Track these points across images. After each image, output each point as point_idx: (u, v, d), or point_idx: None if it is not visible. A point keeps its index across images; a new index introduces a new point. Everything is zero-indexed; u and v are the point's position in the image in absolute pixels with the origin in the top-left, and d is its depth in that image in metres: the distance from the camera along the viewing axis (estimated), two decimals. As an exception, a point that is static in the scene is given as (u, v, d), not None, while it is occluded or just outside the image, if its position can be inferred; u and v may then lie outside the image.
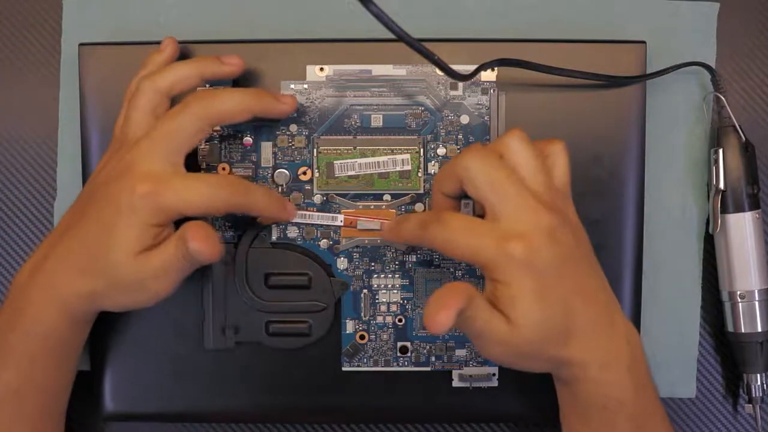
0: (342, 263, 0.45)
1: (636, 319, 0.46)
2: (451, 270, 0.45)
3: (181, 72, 0.41)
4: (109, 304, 0.41)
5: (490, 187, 0.37)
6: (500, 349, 0.37)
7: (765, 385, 0.46)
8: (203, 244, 0.38)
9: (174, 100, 0.41)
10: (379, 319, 0.45)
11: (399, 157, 0.45)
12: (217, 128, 0.45)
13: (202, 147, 0.45)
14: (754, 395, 0.46)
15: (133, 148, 0.39)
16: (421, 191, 0.45)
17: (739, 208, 0.46)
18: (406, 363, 0.45)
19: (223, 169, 0.45)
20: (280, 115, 0.42)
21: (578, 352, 0.38)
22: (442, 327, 0.34)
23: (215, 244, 0.39)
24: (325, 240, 0.45)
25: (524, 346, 0.37)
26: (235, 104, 0.40)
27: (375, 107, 0.45)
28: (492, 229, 0.36)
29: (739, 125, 0.46)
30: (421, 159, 0.45)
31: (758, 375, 0.46)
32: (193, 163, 0.45)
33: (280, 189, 0.45)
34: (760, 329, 0.46)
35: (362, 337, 0.45)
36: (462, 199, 0.40)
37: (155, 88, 0.40)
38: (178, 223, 0.40)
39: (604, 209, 0.45)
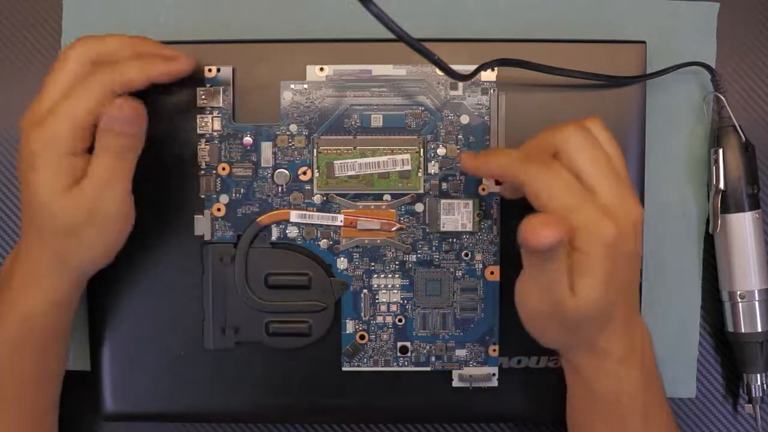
0: (342, 263, 0.45)
1: (636, 319, 0.46)
2: (451, 270, 0.45)
3: (130, 74, 0.40)
4: (81, 259, 0.40)
5: (591, 162, 0.37)
6: (550, 313, 0.37)
7: (765, 385, 0.46)
8: (116, 109, 0.38)
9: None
10: (379, 319, 0.45)
11: (399, 157, 0.45)
12: (218, 128, 0.45)
13: (202, 147, 0.45)
14: (754, 395, 0.46)
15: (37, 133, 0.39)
16: (421, 191, 0.45)
17: (739, 208, 0.46)
18: (406, 363, 0.45)
19: (223, 169, 0.45)
20: (178, 75, 0.41)
21: (605, 341, 0.38)
22: (544, 241, 0.34)
23: (130, 102, 0.38)
24: (325, 240, 0.45)
25: (573, 317, 0.37)
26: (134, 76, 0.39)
27: (375, 107, 0.45)
28: (593, 199, 0.36)
29: (739, 125, 0.46)
30: (421, 159, 0.45)
31: (758, 375, 0.46)
32: (192, 164, 0.45)
33: (280, 189, 0.45)
34: (760, 329, 0.46)
35: (362, 337, 0.45)
36: None
37: (103, 92, 0.39)
38: None
39: (604, 209, 0.45)
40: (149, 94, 0.41)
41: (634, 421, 0.40)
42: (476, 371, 0.45)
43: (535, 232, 0.34)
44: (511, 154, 0.38)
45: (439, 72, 0.42)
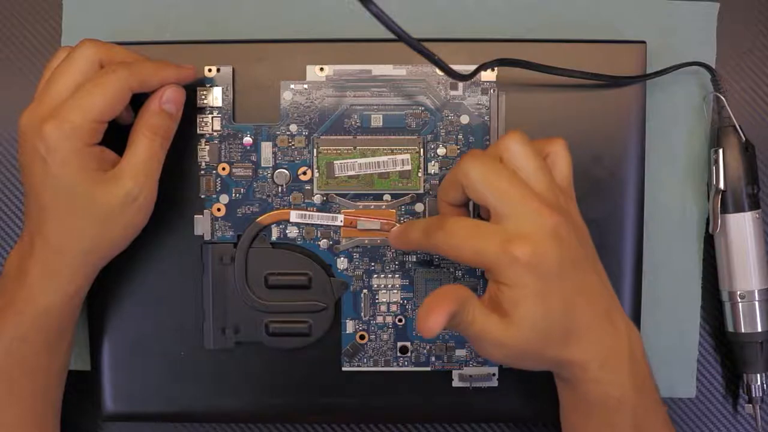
0: (342, 263, 0.45)
1: (636, 319, 0.46)
2: (451, 270, 0.45)
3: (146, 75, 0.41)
4: (111, 245, 0.41)
5: (491, 191, 0.37)
6: (499, 351, 0.37)
7: (765, 385, 0.46)
8: (176, 91, 0.41)
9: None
10: (379, 319, 0.45)
11: (399, 157, 0.45)
12: (218, 128, 0.45)
13: (202, 147, 0.45)
14: (754, 395, 0.46)
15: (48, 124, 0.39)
16: (421, 191, 0.45)
17: (739, 208, 0.46)
18: (406, 363, 0.45)
19: (223, 169, 0.45)
20: (186, 81, 0.42)
21: (578, 353, 0.38)
22: (431, 330, 0.35)
23: (180, 87, 0.41)
24: (325, 240, 0.45)
25: (524, 347, 0.37)
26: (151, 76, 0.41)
27: (375, 107, 0.45)
28: (496, 232, 0.36)
29: (739, 125, 0.46)
30: (421, 159, 0.45)
31: (758, 375, 0.46)
32: (192, 163, 0.45)
33: (280, 189, 0.45)
34: (760, 329, 0.46)
35: (362, 337, 0.45)
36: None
37: (122, 88, 0.39)
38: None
39: (604, 209, 0.45)
40: (147, 95, 0.41)
41: (623, 425, 0.39)
42: (476, 371, 0.45)
43: (422, 325, 0.35)
44: (414, 228, 0.40)
45: (439, 72, 0.42)
